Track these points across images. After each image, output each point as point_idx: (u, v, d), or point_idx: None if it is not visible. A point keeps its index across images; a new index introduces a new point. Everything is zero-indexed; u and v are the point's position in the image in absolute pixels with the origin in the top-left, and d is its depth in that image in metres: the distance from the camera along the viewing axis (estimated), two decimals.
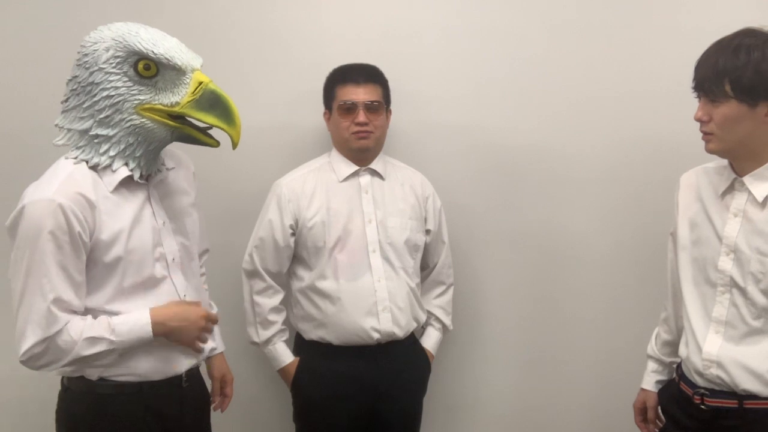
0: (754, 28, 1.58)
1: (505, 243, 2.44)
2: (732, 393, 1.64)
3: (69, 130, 1.55)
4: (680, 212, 1.79)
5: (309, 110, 2.28)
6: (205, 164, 1.95)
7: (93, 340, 1.52)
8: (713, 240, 1.68)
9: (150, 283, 1.60)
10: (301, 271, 2.15)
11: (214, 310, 1.93)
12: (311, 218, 2.10)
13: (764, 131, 1.58)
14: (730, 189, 1.67)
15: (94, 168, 1.55)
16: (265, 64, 2.33)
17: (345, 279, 2.09)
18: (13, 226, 1.50)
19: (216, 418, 1.91)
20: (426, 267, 2.31)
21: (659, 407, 1.90)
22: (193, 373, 1.75)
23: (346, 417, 2.13)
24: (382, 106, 2.14)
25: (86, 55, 1.51)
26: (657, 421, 1.92)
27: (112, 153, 1.54)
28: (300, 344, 2.21)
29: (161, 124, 1.54)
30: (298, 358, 2.18)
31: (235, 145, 1.54)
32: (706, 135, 1.63)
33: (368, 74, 2.14)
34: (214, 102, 1.51)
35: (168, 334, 1.60)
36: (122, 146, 1.54)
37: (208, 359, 1.94)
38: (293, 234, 2.13)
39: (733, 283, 1.64)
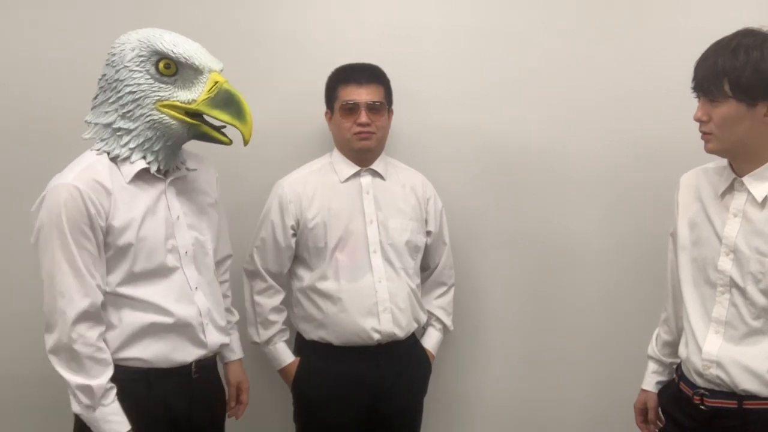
0: (753, 28, 1.58)
1: (505, 243, 2.44)
2: (732, 393, 1.64)
3: (96, 124, 1.66)
4: (680, 212, 1.79)
5: (310, 110, 2.27)
6: None
7: (85, 388, 1.57)
8: (713, 240, 1.68)
9: (161, 272, 1.67)
10: (302, 272, 2.15)
11: (235, 318, 2.00)
12: (312, 219, 2.11)
13: (763, 131, 1.58)
14: (730, 189, 1.67)
15: (114, 159, 1.64)
16: (266, 64, 2.33)
17: (346, 279, 2.09)
18: (36, 210, 1.61)
19: None
20: (427, 268, 2.31)
21: (659, 408, 1.90)
22: (205, 366, 1.78)
23: (347, 417, 2.13)
24: (384, 106, 2.14)
25: (114, 54, 1.62)
26: (657, 422, 1.91)
27: (132, 145, 1.63)
28: (300, 344, 2.21)
29: (179, 120, 1.63)
30: (298, 358, 2.18)
31: (246, 142, 1.64)
32: (706, 135, 1.63)
33: (371, 74, 2.14)
34: (228, 100, 1.61)
35: None
36: (141, 139, 1.63)
37: (225, 365, 1.98)
38: (294, 234, 2.14)
39: (733, 284, 1.64)
